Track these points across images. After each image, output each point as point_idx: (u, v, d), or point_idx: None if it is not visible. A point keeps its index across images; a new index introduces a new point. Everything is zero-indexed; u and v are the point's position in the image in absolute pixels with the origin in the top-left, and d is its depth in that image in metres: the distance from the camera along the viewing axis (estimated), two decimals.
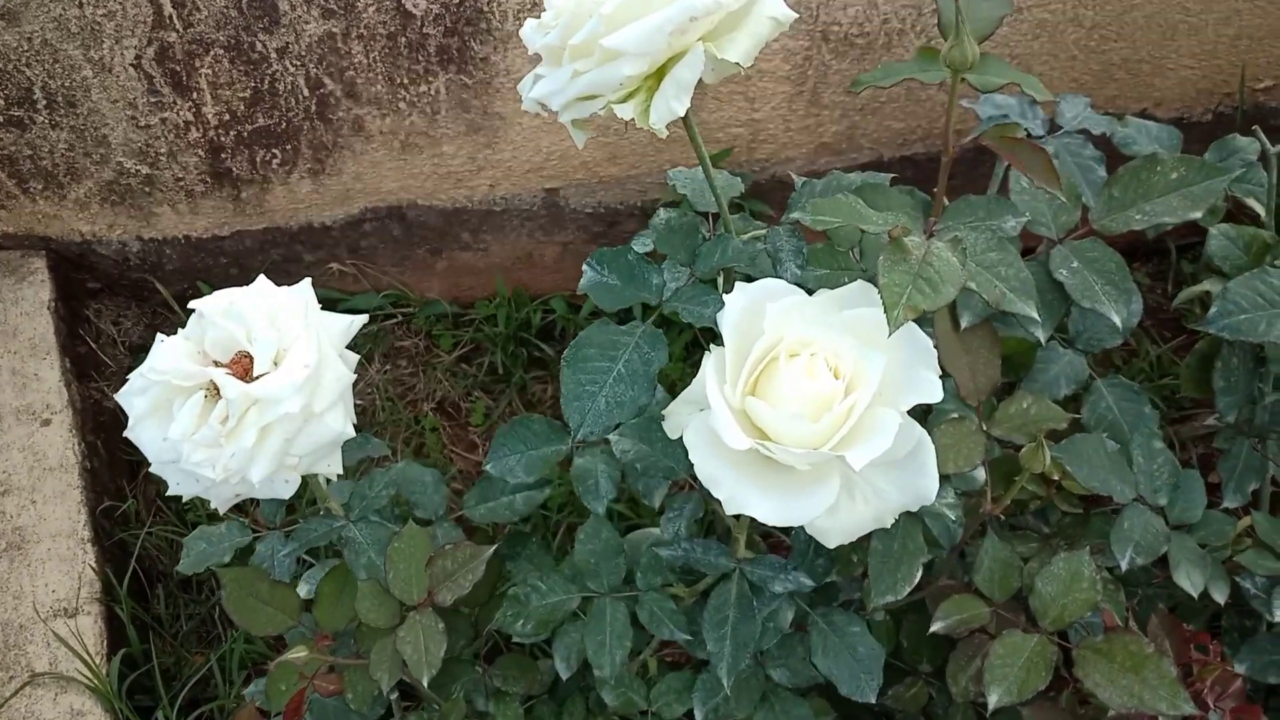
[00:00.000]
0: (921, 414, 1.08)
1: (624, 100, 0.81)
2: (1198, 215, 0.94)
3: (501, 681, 1.21)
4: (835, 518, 0.82)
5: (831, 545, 0.84)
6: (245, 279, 2.37)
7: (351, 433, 0.99)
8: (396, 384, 2.30)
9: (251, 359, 0.97)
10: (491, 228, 2.26)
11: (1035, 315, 0.85)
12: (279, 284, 2.38)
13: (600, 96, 0.81)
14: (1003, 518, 0.99)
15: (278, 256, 2.25)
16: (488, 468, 1.16)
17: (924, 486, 0.83)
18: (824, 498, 0.79)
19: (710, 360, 0.80)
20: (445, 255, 2.27)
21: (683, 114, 0.80)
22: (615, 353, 0.90)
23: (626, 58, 0.77)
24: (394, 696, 1.26)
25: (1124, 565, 1.02)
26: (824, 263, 1.00)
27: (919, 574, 0.99)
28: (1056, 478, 1.11)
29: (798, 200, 0.98)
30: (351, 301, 2.33)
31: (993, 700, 0.94)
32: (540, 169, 2.16)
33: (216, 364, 0.99)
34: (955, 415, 0.99)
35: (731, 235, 0.97)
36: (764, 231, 0.98)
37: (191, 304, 1.00)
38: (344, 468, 1.75)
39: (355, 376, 0.99)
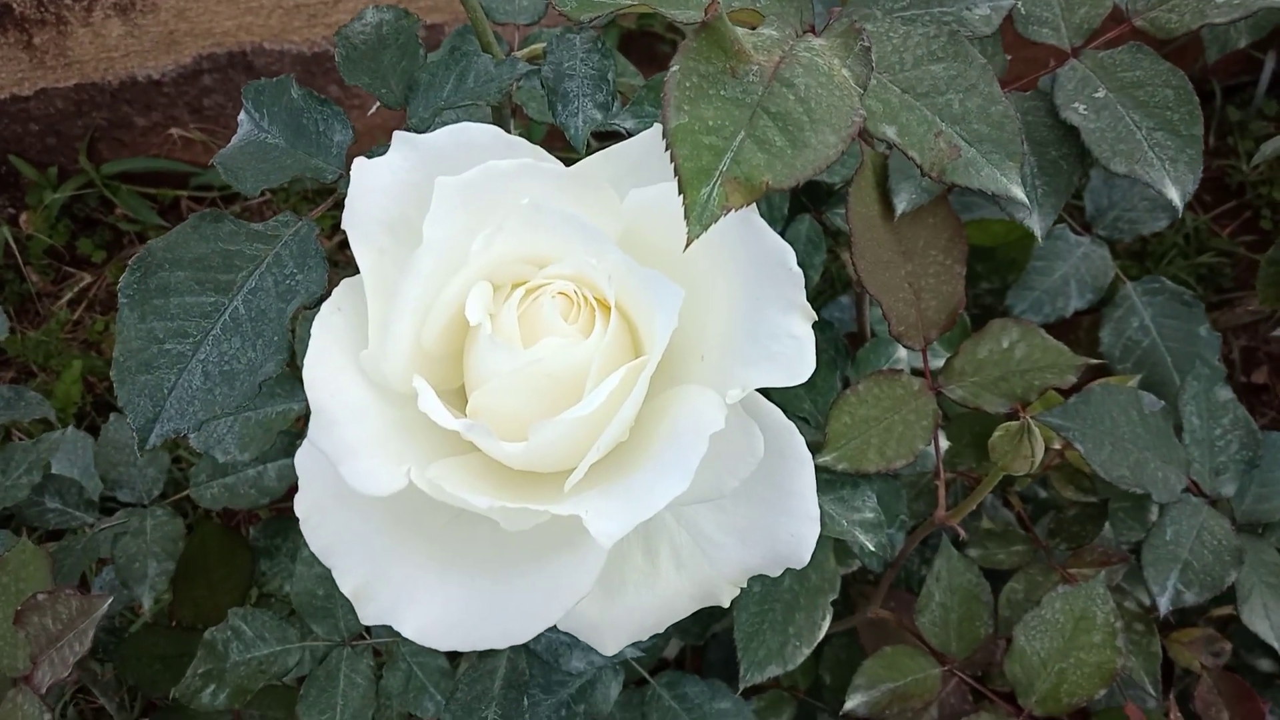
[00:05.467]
0: (836, 357, 0.65)
1: None
2: None
3: None
4: (614, 603, 0.41)
5: (612, 650, 0.43)
6: (65, 149, 1.91)
7: None
8: None
9: None
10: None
11: (1018, 190, 0.41)
12: (112, 156, 1.94)
13: None
14: (963, 533, 0.57)
15: (102, 121, 1.80)
16: (192, 438, 0.75)
17: (790, 533, 0.42)
18: (575, 576, 0.38)
19: (328, 305, 0.38)
20: None
21: None
22: (230, 275, 0.47)
23: None
24: None
25: (1165, 604, 0.61)
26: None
27: (826, 623, 0.59)
28: (1057, 446, 0.69)
29: None
30: (204, 176, 1.88)
31: None
32: None
33: None
34: (890, 367, 0.56)
35: (482, 53, 0.53)
36: (541, 46, 0.54)
37: None
38: None
39: None
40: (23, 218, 1.85)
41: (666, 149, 0.34)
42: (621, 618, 0.42)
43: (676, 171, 0.33)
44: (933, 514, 0.59)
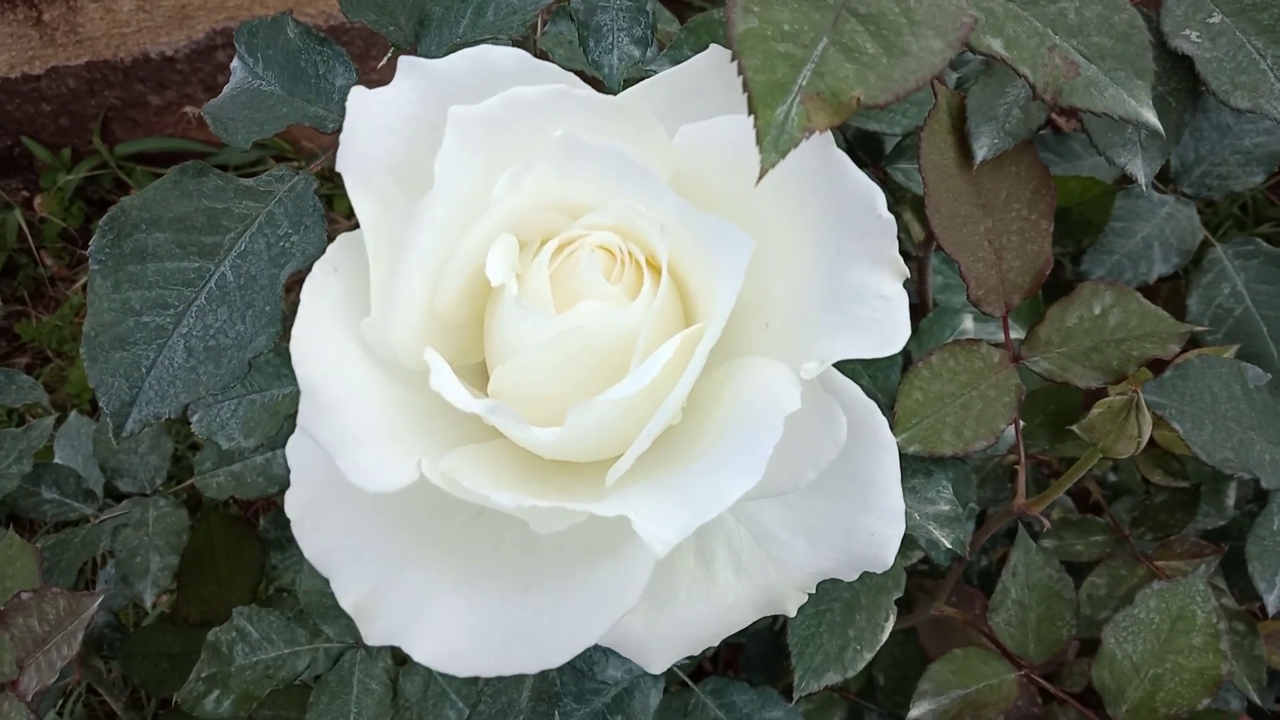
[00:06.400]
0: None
1: None
2: None
3: None
4: (663, 615, 0.35)
5: (659, 667, 0.36)
6: (79, 130, 1.86)
7: None
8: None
9: None
10: (386, 52, 1.72)
11: (1150, 113, 0.34)
12: (126, 136, 1.89)
13: None
14: (1047, 523, 0.50)
15: (115, 100, 1.74)
16: (193, 422, 0.69)
17: (869, 531, 0.35)
18: (620, 587, 0.31)
19: (321, 265, 0.31)
20: None
21: None
22: (217, 238, 0.41)
23: None
24: None
25: (1273, 603, 0.53)
26: (713, 37, 0.49)
27: (889, 624, 0.52)
28: None
29: None
30: (219, 155, 1.83)
31: None
32: None
33: None
34: (965, 337, 0.49)
35: None
36: None
37: None
38: None
39: None
40: (36, 201, 1.80)
41: (733, 59, 0.27)
42: (671, 631, 0.35)
43: (746, 86, 0.26)
44: (1010, 501, 0.53)
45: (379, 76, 0.50)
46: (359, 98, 0.31)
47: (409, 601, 0.31)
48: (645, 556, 0.30)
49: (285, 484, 0.80)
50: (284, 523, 0.81)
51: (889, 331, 0.30)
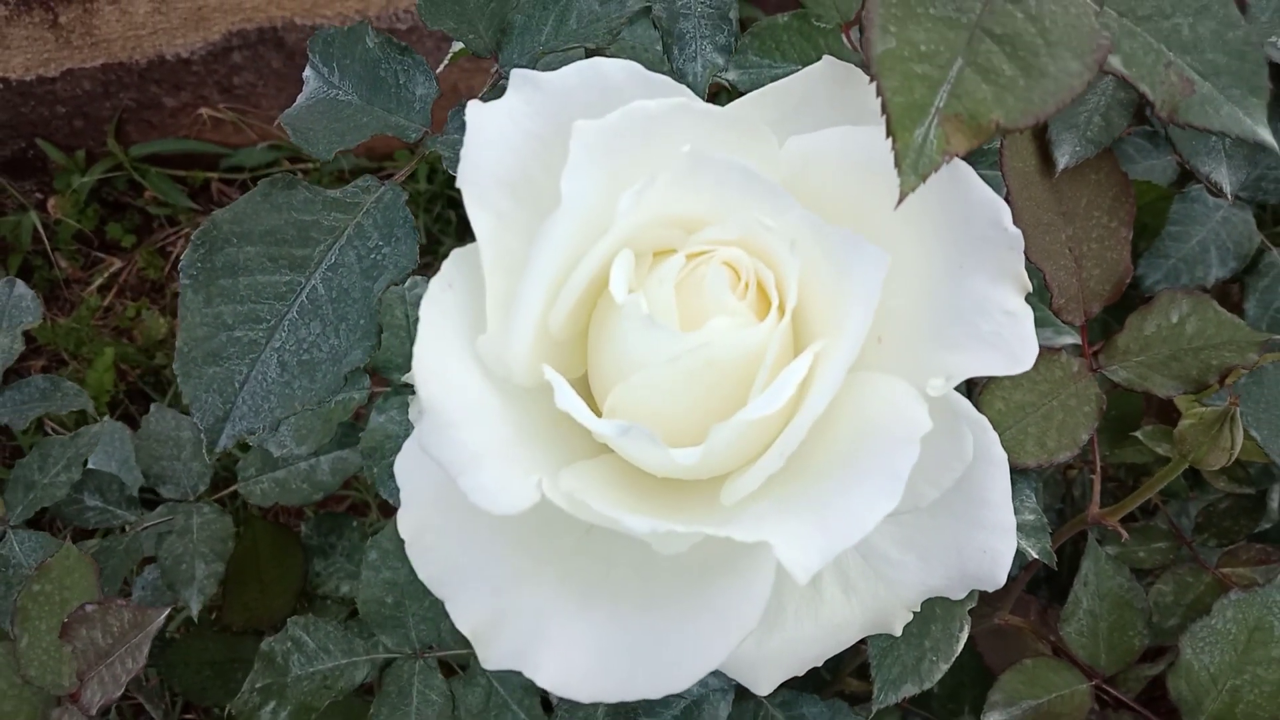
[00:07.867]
0: None
1: None
2: None
3: None
4: (771, 636, 0.35)
5: (766, 689, 0.36)
6: (93, 132, 1.85)
7: None
8: None
9: None
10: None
11: (1265, 131, 0.33)
12: (140, 138, 1.88)
13: None
14: (1125, 534, 0.50)
15: (131, 102, 1.74)
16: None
17: (982, 548, 0.35)
18: (741, 607, 0.31)
19: (438, 281, 0.31)
20: None
21: None
22: (307, 250, 0.40)
23: None
24: None
25: None
26: (781, 51, 0.48)
27: (964, 635, 0.52)
28: None
29: None
30: (235, 157, 1.82)
31: None
32: None
33: None
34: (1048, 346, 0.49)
35: None
36: None
37: None
38: (17, 430, 1.27)
39: None
40: (51, 203, 1.80)
41: (871, 80, 0.27)
42: (780, 651, 0.35)
43: (884, 108, 0.26)
44: (1085, 510, 0.52)
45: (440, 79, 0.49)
46: (478, 112, 0.31)
47: (529, 624, 0.30)
48: (765, 576, 0.30)
49: (329, 490, 0.80)
50: (326, 529, 0.81)
51: (1017, 348, 0.30)
